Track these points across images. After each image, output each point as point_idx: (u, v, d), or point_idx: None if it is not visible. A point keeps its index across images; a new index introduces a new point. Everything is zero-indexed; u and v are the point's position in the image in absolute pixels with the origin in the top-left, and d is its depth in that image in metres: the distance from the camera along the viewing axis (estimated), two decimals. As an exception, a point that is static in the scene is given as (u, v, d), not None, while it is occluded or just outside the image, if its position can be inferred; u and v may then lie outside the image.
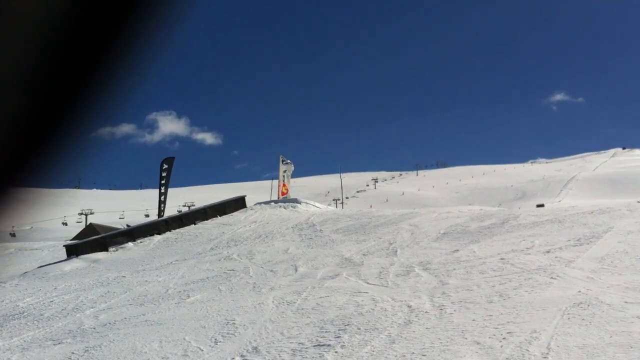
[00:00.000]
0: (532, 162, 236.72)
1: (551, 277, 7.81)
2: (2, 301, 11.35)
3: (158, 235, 17.35)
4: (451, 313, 6.64)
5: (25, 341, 7.96)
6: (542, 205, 40.70)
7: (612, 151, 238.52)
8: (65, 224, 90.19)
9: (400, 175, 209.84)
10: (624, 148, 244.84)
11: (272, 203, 22.22)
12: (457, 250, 10.81)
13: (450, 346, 5.43)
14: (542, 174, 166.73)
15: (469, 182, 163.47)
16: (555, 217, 13.00)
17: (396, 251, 11.49)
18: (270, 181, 31.70)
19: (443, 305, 7.01)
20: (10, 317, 9.80)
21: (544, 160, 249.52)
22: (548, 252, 9.58)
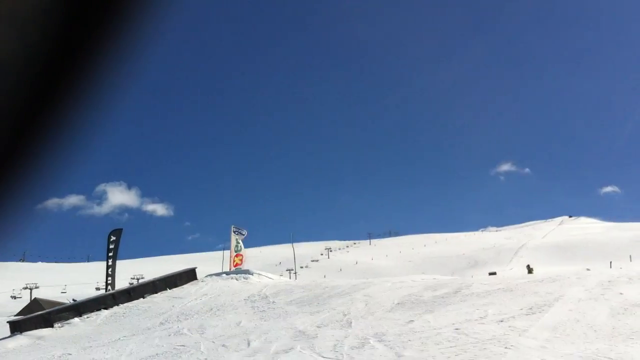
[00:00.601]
0: (482, 230, 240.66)
1: (505, 347, 7.80)
2: None
3: (105, 310, 16.79)
4: (408, 387, 6.51)
5: None
6: (494, 273, 41.13)
7: (559, 219, 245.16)
8: (14, 297, 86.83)
9: (354, 244, 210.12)
10: (570, 216, 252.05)
11: (224, 275, 21.87)
12: (412, 320, 10.74)
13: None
14: (493, 242, 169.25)
15: (421, 251, 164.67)
16: (507, 286, 13.10)
17: (351, 322, 11.35)
18: (222, 252, 31.32)
19: (399, 379, 6.88)
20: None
21: (494, 228, 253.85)
22: (501, 321, 9.60)
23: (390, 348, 8.75)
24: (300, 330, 11.24)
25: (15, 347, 13.71)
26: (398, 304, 12.76)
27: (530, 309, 10.33)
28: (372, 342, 9.32)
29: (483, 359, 7.32)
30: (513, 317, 9.84)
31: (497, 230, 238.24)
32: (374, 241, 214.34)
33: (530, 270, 31.02)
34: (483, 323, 9.65)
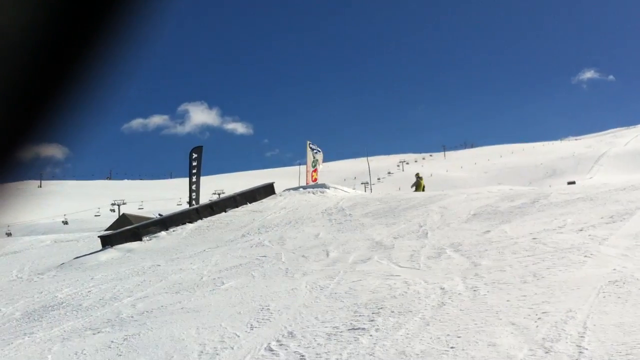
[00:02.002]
0: (561, 140, 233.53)
1: (585, 256, 7.77)
2: (41, 292, 11.60)
3: (190, 224, 17.54)
4: (485, 294, 6.65)
5: (65, 331, 8.14)
6: (573, 183, 40.21)
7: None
8: (98, 215, 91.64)
9: (429, 156, 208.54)
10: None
11: (301, 189, 22.29)
12: (489, 231, 10.78)
13: (485, 327, 5.45)
14: (572, 151, 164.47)
15: (497, 162, 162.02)
16: (587, 195, 12.87)
17: (427, 233, 11.49)
18: (298, 167, 31.80)
19: (476, 287, 7.02)
20: (50, 308, 10.03)
21: (573, 137, 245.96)
22: (581, 230, 9.51)
23: (467, 257, 8.86)
24: (377, 242, 11.48)
25: (107, 259, 14.61)
26: (474, 215, 12.78)
27: (611, 217, 10.16)
28: (448, 252, 9.46)
29: (561, 267, 7.33)
30: (593, 226, 9.72)
31: (576, 139, 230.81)
32: (448, 153, 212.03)
33: None
34: (562, 232, 9.59)
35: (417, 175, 26.82)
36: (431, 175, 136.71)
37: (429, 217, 13.29)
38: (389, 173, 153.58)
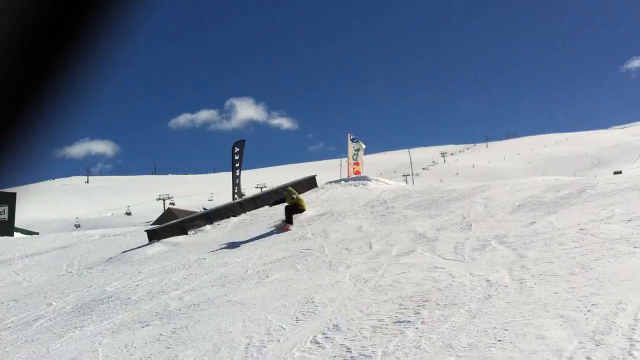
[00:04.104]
0: (607, 129, 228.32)
1: (634, 247, 7.61)
2: (90, 286, 11.88)
3: (234, 217, 17.73)
4: (532, 286, 6.58)
5: (114, 324, 8.33)
6: (619, 173, 39.29)
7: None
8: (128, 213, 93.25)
9: (471, 147, 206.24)
10: None
11: (342, 182, 22.30)
12: (534, 222, 10.63)
13: (533, 320, 5.39)
14: (618, 140, 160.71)
15: (541, 152, 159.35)
16: (635, 184, 12.58)
17: (470, 225, 11.40)
18: (339, 159, 31.80)
19: (523, 279, 6.95)
20: (99, 302, 10.26)
21: (619, 126, 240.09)
22: (629, 220, 9.32)
23: (513, 249, 8.77)
24: (420, 234, 11.43)
25: (154, 253, 14.86)
26: (519, 206, 12.61)
27: (662, 207, 9.92)
28: (493, 244, 9.37)
29: (610, 259, 7.20)
30: (642, 216, 9.51)
31: (622, 128, 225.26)
32: (490, 144, 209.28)
33: None
34: (610, 223, 9.41)
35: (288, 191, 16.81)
36: (473, 166, 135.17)
37: (473, 209, 13.17)
38: (433, 162, 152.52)
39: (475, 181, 23.55)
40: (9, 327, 9.45)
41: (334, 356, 5.33)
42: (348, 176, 24.19)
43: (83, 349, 7.17)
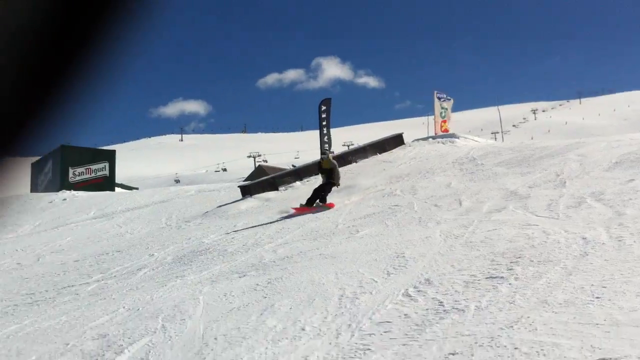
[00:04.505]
0: None
1: None
2: (189, 239, 12.43)
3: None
4: (631, 244, 6.42)
5: (213, 274, 8.71)
6: None
7: None
8: (224, 169, 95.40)
9: (563, 104, 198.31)
10: None
11: (430, 139, 22.12)
12: (633, 179, 10.27)
13: (632, 278, 5.30)
14: None
15: (639, 108, 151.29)
16: None
17: (564, 182, 11.13)
18: (426, 117, 31.43)
19: (621, 237, 6.79)
20: (198, 253, 10.74)
21: None
22: None
23: (610, 207, 8.53)
24: (511, 191, 11.27)
25: (247, 208, 15.34)
26: (616, 162, 12.19)
27: None
28: (588, 201, 9.14)
29: None
30: None
31: None
32: (584, 100, 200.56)
33: None
34: None
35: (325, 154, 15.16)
36: (565, 123, 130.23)
37: (567, 166, 12.83)
38: (524, 119, 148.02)
39: (568, 138, 22.77)
40: (114, 276, 10.04)
41: (427, 309, 5.42)
42: (435, 134, 23.94)
43: (185, 297, 7.54)
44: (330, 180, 14.08)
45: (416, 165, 17.02)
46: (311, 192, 13.95)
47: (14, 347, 6.42)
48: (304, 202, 13.54)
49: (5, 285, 10.55)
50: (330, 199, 13.72)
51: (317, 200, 13.60)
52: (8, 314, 8.37)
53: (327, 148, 21.68)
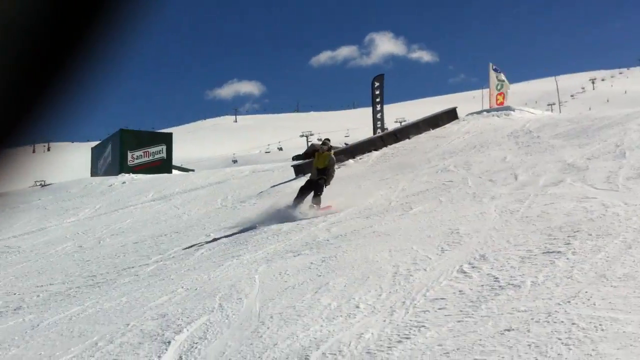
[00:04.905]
0: None
1: None
2: (245, 218, 12.59)
3: (375, 152, 17.94)
4: (695, 216, 6.21)
5: (268, 254, 8.81)
6: None
7: None
8: (280, 148, 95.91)
9: (623, 72, 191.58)
10: None
11: (485, 113, 21.76)
12: (698, 149, 9.90)
13: (696, 250, 5.14)
14: None
15: None
16: None
17: (624, 153, 10.80)
18: (480, 91, 30.86)
19: (685, 208, 6.57)
20: (253, 233, 10.88)
21: None
22: None
23: (673, 178, 8.26)
24: (568, 163, 11.02)
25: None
26: (680, 132, 11.76)
27: None
28: (651, 173, 8.87)
29: None
30: None
31: None
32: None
33: None
34: None
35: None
36: (625, 92, 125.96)
37: (627, 136, 12.44)
38: (582, 89, 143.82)
39: (628, 108, 22.07)
40: (173, 257, 10.28)
41: (482, 285, 5.38)
42: (490, 107, 23.51)
43: (241, 276, 7.66)
44: (321, 177, 12.05)
45: (470, 139, 16.78)
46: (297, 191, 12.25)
47: (77, 328, 6.66)
48: (290, 203, 11.85)
49: (67, 267, 10.94)
50: (381, 175, 13.65)
51: (299, 204, 11.68)
52: (70, 295, 8.69)
53: (380, 125, 21.53)
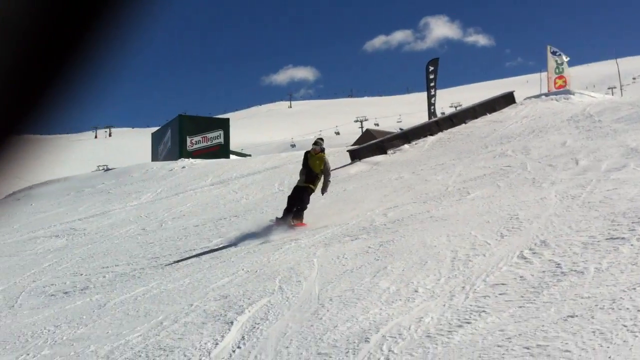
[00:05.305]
0: None
1: None
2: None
3: (431, 137, 17.81)
4: None
5: (326, 237, 8.90)
6: None
7: None
8: (337, 132, 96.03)
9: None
10: None
11: (543, 97, 21.31)
12: None
13: None
14: None
15: None
16: None
17: (693, 138, 10.47)
18: (539, 74, 30.20)
19: None
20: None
21: None
22: None
23: None
24: (632, 148, 10.74)
25: (356, 172, 15.48)
26: None
27: None
28: None
29: None
30: None
31: None
32: None
33: None
34: None
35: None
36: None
37: (695, 120, 12.03)
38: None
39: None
40: (232, 240, 10.46)
41: (543, 271, 5.34)
42: (549, 91, 23.00)
43: (300, 259, 7.78)
44: (312, 185, 10.70)
45: (528, 124, 16.49)
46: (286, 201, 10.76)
47: (142, 308, 6.91)
48: (280, 216, 10.46)
49: (131, 250, 11.29)
50: (437, 160, 13.55)
51: (290, 217, 10.30)
52: (135, 277, 8.99)
53: (433, 110, 21.28)
